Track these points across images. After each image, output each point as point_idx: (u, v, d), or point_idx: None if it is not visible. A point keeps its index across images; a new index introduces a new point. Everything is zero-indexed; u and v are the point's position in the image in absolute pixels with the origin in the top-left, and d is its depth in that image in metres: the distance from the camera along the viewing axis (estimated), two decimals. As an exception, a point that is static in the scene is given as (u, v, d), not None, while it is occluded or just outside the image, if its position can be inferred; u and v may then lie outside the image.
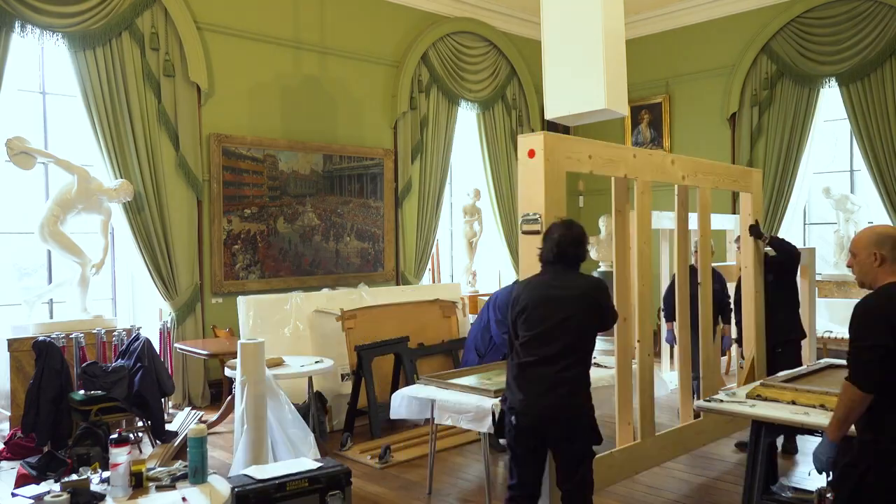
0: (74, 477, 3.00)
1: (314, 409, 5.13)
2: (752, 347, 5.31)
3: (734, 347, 6.15)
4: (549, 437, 3.07)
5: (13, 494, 3.05)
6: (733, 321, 5.61)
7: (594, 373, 4.59)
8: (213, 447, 4.68)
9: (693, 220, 7.28)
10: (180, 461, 3.41)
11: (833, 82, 7.89)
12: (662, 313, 6.14)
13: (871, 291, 2.53)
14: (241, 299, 5.86)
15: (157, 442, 5.16)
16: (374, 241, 8.08)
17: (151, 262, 6.36)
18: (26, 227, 5.94)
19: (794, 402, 3.28)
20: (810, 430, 3.16)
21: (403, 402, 4.32)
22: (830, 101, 8.07)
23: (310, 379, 5.09)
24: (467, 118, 9.05)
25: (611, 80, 4.60)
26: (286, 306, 5.97)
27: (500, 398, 3.51)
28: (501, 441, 4.09)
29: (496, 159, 9.17)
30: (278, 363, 5.03)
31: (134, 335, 5.35)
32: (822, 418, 3.07)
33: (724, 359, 7.45)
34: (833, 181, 8.18)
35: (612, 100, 4.64)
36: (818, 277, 7.58)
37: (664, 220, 6.93)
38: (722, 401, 3.55)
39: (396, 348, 5.70)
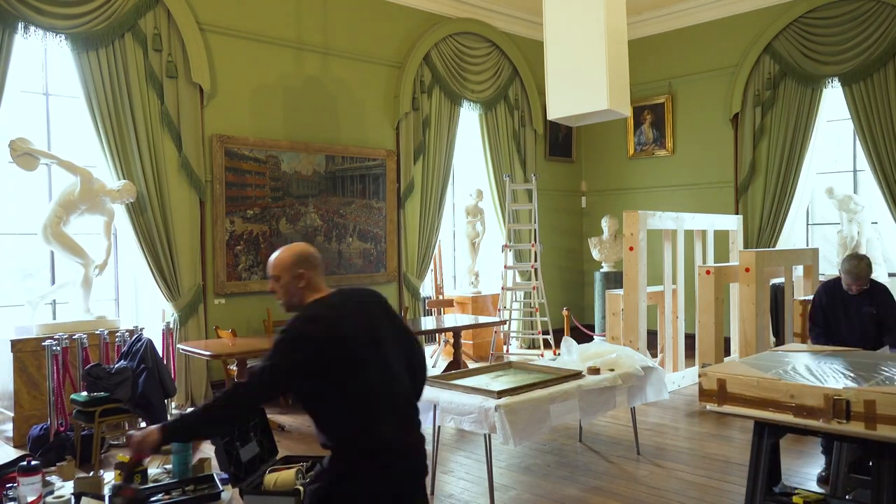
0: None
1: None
2: None
3: None
4: None
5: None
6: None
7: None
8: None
9: (692, 221, 7.30)
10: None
11: (836, 82, 7.88)
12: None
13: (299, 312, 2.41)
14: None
15: (160, 443, 5.16)
16: (377, 241, 8.09)
17: (154, 263, 6.37)
18: (29, 229, 5.95)
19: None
20: (813, 432, 3.14)
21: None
22: (833, 101, 8.06)
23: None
24: (469, 118, 9.05)
25: (613, 81, 4.61)
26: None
27: None
28: None
29: (498, 160, 9.17)
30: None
31: (136, 336, 5.35)
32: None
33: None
34: (836, 181, 8.16)
35: (615, 100, 4.65)
36: (821, 277, 7.57)
37: (665, 221, 6.92)
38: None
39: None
